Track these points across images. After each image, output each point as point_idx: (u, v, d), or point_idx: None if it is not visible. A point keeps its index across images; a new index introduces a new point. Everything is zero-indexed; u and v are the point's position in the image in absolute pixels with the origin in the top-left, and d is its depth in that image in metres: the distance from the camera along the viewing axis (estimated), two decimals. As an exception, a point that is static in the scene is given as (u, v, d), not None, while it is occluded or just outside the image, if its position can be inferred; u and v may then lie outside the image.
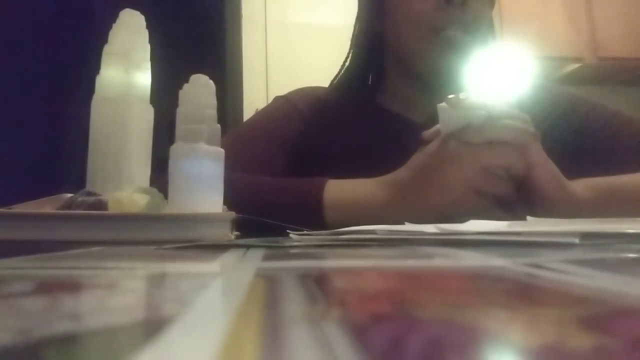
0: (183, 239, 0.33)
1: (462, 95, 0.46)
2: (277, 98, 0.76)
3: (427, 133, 0.50)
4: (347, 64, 0.75)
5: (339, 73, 0.76)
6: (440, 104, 0.48)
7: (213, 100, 0.43)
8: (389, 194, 0.48)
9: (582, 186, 0.49)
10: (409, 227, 0.34)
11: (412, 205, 0.47)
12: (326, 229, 0.49)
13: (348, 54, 0.75)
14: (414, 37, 0.64)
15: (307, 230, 0.40)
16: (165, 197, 0.41)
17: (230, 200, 0.42)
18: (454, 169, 0.46)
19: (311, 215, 0.49)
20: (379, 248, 0.29)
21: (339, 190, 0.50)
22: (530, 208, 0.45)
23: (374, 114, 0.71)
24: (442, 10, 0.61)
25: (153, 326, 0.10)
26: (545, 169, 0.47)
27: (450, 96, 0.47)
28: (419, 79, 0.67)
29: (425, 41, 0.63)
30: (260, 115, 0.75)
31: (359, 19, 0.74)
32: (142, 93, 0.47)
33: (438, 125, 0.49)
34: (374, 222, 0.44)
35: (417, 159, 0.49)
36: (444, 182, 0.46)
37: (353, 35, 0.74)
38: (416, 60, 0.66)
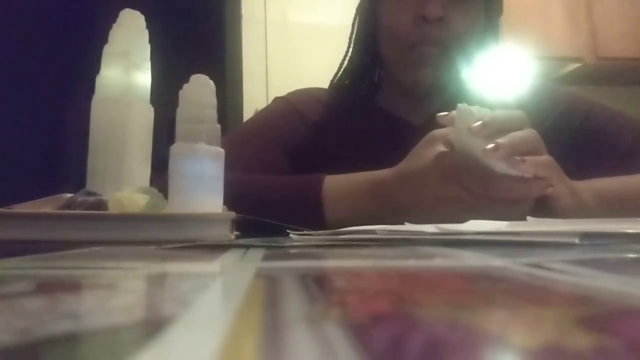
0: (183, 239, 0.33)
1: (475, 109, 0.44)
2: (276, 99, 0.76)
3: (441, 116, 0.47)
4: (345, 64, 0.75)
5: (337, 73, 0.76)
6: (460, 104, 0.45)
7: (213, 100, 0.43)
8: (377, 191, 0.49)
9: (588, 191, 0.49)
10: (409, 227, 0.34)
11: (396, 205, 0.47)
12: (325, 224, 0.49)
13: (346, 54, 0.75)
14: (393, 49, 0.66)
15: (307, 230, 0.40)
16: (165, 197, 0.41)
17: (229, 199, 0.42)
18: (440, 188, 0.44)
19: (310, 210, 0.49)
20: (379, 248, 0.29)
21: (337, 185, 0.51)
22: (535, 210, 0.45)
23: (372, 115, 0.71)
24: (419, 26, 0.61)
25: (153, 326, 0.10)
26: (562, 185, 0.45)
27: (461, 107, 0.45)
28: (406, 88, 0.68)
29: (403, 55, 0.64)
30: (260, 115, 0.75)
31: (356, 20, 0.74)
32: (142, 93, 0.47)
33: (453, 112, 0.46)
34: (370, 217, 0.44)
35: (409, 164, 0.47)
36: (426, 197, 0.44)
37: (351, 35, 0.75)
38: (397, 71, 0.68)
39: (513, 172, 0.41)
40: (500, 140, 0.41)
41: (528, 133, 0.43)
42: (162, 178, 0.43)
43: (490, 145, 0.40)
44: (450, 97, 0.69)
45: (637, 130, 0.63)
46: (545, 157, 0.44)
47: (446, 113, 0.46)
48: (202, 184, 0.40)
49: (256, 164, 0.63)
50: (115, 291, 0.15)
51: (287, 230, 0.40)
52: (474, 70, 0.68)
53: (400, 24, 0.63)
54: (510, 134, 0.42)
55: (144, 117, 0.47)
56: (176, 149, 0.41)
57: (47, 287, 0.16)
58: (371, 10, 0.70)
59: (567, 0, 2.29)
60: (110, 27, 0.46)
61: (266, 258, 0.23)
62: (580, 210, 0.46)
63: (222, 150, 0.42)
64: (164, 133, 0.47)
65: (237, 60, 2.01)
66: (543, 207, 0.44)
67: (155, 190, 0.41)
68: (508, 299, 0.13)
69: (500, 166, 0.41)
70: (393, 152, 0.50)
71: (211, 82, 0.43)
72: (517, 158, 0.41)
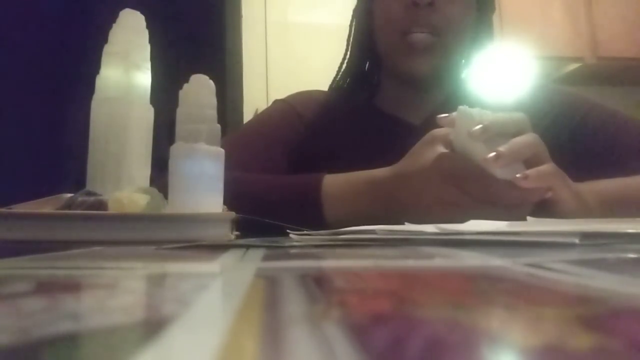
0: (183, 239, 0.33)
1: (475, 112, 0.43)
2: (276, 101, 0.76)
3: (441, 118, 0.46)
4: (344, 65, 0.75)
5: (336, 75, 0.76)
6: (461, 107, 0.44)
7: (213, 100, 0.43)
8: (376, 191, 0.49)
9: (591, 194, 0.49)
10: (409, 227, 0.34)
11: (396, 205, 0.47)
12: (324, 223, 0.49)
13: (344, 55, 0.75)
14: (386, 38, 0.67)
15: (307, 230, 0.40)
16: (165, 197, 0.41)
17: (229, 199, 0.42)
18: (439, 190, 0.43)
19: (310, 210, 0.49)
20: (379, 248, 0.29)
21: (336, 184, 0.51)
22: (538, 214, 0.44)
23: (371, 116, 0.71)
24: (409, 13, 0.62)
25: (153, 326, 0.10)
26: (565, 190, 0.45)
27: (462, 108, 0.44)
28: (403, 80, 0.68)
29: (397, 43, 0.65)
30: (260, 117, 0.75)
31: (353, 21, 0.74)
32: (142, 93, 0.47)
33: (453, 114, 0.45)
34: (369, 216, 0.44)
35: (408, 164, 0.47)
36: (425, 198, 0.44)
37: (349, 37, 0.75)
38: (392, 62, 0.68)
39: (513, 177, 0.41)
40: (501, 149, 0.40)
41: (529, 138, 0.43)
42: (162, 178, 0.43)
43: (492, 155, 0.40)
44: (448, 96, 0.69)
45: (636, 130, 0.63)
46: (547, 166, 0.43)
47: (446, 115, 0.46)
48: (202, 184, 0.40)
49: (256, 165, 0.63)
50: (115, 291, 0.15)
51: (287, 230, 0.40)
52: (472, 69, 0.69)
53: (393, 12, 0.64)
54: (511, 140, 0.41)
55: (144, 117, 0.47)
56: (176, 149, 0.41)
57: (47, 287, 0.16)
58: (367, 9, 0.70)
59: (567, 0, 2.30)
60: (110, 27, 0.46)
61: (266, 258, 0.23)
62: (584, 214, 0.46)
63: (222, 150, 0.42)
64: (164, 133, 0.47)
65: (237, 60, 2.01)
66: (546, 211, 0.44)
67: (155, 190, 0.41)
68: (508, 299, 0.13)
69: (500, 171, 0.41)
70: (392, 151, 0.50)
71: (211, 82, 0.43)
72: (520, 173, 0.41)
